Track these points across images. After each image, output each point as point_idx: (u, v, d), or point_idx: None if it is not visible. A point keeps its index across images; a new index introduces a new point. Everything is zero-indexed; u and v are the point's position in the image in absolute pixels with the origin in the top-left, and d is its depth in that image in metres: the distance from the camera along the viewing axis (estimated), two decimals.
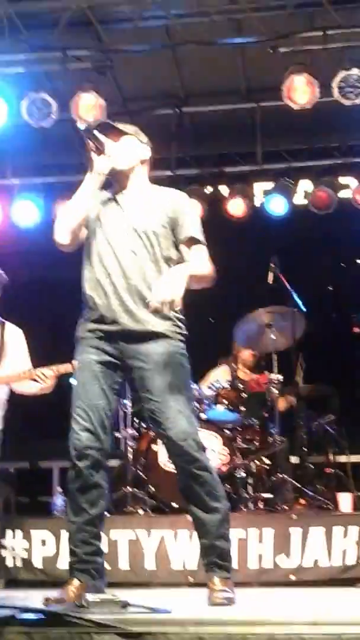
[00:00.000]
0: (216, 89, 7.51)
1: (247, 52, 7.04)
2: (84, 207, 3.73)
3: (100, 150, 3.70)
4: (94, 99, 6.73)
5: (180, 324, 3.72)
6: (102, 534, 3.72)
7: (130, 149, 3.82)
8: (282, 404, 6.89)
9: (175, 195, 3.85)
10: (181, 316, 3.74)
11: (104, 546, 3.84)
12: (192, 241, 3.75)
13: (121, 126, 3.85)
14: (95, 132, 3.71)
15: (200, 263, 3.67)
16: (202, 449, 3.60)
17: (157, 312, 3.49)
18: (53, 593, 3.55)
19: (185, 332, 3.73)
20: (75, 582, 3.53)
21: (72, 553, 3.60)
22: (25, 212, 8.20)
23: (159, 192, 3.88)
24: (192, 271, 3.54)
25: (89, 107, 6.73)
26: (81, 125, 3.72)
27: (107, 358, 3.64)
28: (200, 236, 3.77)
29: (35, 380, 5.26)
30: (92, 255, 3.73)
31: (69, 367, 5.14)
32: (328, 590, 5.03)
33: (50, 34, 6.50)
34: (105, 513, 3.79)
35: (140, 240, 3.67)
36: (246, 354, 7.40)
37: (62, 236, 3.73)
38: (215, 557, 3.56)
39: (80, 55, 6.73)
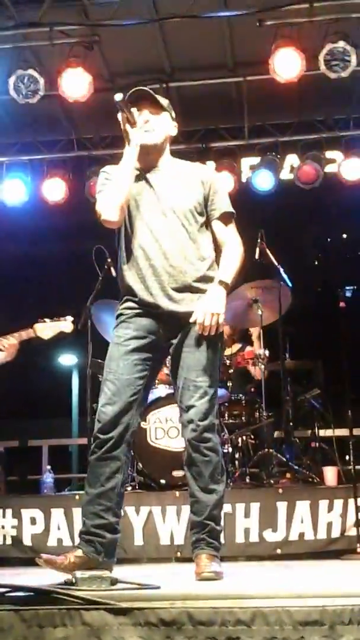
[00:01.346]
0: (203, 64, 7.47)
1: (234, 26, 7.00)
2: (128, 181, 3.68)
3: (132, 123, 3.66)
4: (80, 75, 6.69)
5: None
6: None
7: (164, 124, 3.82)
8: (258, 374, 6.93)
9: (205, 171, 3.91)
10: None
11: None
12: (226, 217, 3.82)
13: (160, 99, 3.83)
14: (129, 105, 3.66)
15: (236, 253, 3.79)
16: (217, 431, 3.66)
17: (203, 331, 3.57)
18: (47, 556, 3.55)
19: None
20: (78, 552, 3.53)
21: (82, 523, 3.61)
22: (13, 191, 8.16)
23: (188, 167, 3.89)
24: (231, 279, 3.68)
25: (75, 82, 6.70)
26: (117, 96, 3.58)
27: (143, 334, 3.65)
28: (232, 210, 3.85)
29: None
30: (128, 237, 3.72)
31: (31, 332, 5.20)
32: (313, 563, 5.09)
33: (37, 9, 6.45)
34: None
35: (178, 220, 3.68)
36: (226, 329, 7.40)
37: (112, 213, 3.67)
38: (204, 534, 3.59)
39: (67, 30, 6.67)
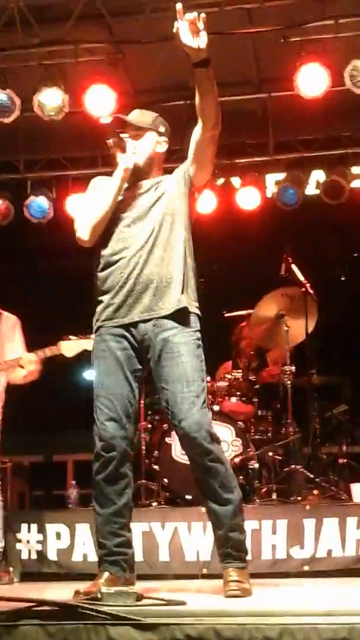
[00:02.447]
0: (227, 80, 7.45)
1: (258, 42, 7.01)
2: (109, 205, 3.72)
3: (122, 148, 3.74)
4: (105, 91, 6.74)
5: (195, 312, 3.69)
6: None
7: (147, 143, 3.85)
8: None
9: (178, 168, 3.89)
10: (196, 306, 3.72)
11: None
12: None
13: (137, 120, 3.86)
14: (119, 136, 3.75)
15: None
16: (216, 440, 3.58)
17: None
18: (81, 585, 3.53)
19: (198, 324, 3.71)
20: (106, 575, 3.53)
21: (101, 546, 3.59)
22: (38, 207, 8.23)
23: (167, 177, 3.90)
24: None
25: (100, 99, 6.75)
26: (110, 142, 3.74)
27: (127, 345, 3.63)
28: None
29: (22, 367, 5.27)
30: (107, 249, 3.73)
31: (55, 349, 5.19)
32: (342, 580, 5.04)
33: (62, 27, 6.50)
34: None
35: (153, 230, 3.67)
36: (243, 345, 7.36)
37: (85, 232, 3.74)
38: (229, 548, 3.55)
39: (91, 48, 6.72)
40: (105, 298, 3.70)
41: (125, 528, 3.59)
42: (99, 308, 3.73)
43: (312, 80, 6.61)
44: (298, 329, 6.76)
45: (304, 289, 6.69)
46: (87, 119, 7.11)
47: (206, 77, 3.54)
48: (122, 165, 3.74)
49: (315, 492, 6.19)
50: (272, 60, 7.17)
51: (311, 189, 8.28)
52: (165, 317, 3.59)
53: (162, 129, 3.91)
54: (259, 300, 6.87)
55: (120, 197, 3.78)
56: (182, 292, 3.61)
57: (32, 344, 5.42)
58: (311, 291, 6.76)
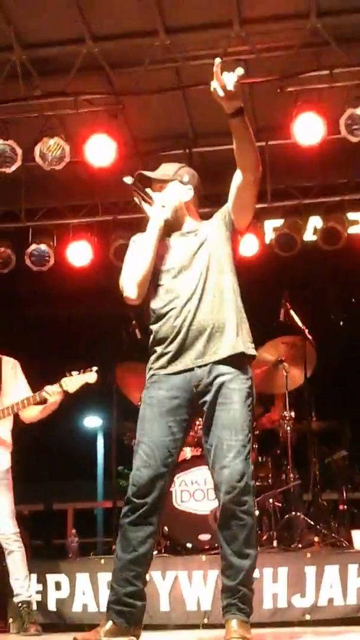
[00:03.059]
0: (225, 129, 7.54)
1: (255, 92, 7.14)
2: (149, 260, 3.73)
3: (148, 202, 3.77)
4: (105, 141, 6.84)
5: (251, 354, 3.68)
6: None
7: (174, 196, 3.88)
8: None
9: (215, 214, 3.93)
10: (252, 347, 3.70)
11: None
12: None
13: (159, 174, 3.91)
14: (138, 184, 3.76)
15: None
16: (253, 493, 3.55)
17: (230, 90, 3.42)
18: (83, 635, 3.51)
19: (250, 371, 3.68)
20: (109, 625, 3.48)
21: (113, 591, 3.54)
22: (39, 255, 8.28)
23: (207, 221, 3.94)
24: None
25: (101, 149, 6.85)
26: (127, 180, 3.71)
27: (176, 394, 3.61)
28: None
29: (41, 402, 5.33)
30: (156, 302, 3.75)
31: (57, 386, 5.30)
32: (344, 629, 4.99)
33: (63, 78, 6.63)
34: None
35: (201, 276, 3.69)
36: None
37: (131, 291, 3.74)
38: (236, 600, 3.50)
39: (91, 99, 6.84)
40: (158, 348, 3.71)
41: (140, 579, 3.53)
42: (152, 357, 3.74)
43: (308, 129, 6.71)
44: (297, 374, 6.79)
45: (302, 336, 6.72)
46: (87, 168, 7.21)
47: (242, 126, 3.63)
48: (154, 219, 3.77)
49: (316, 539, 6.15)
50: (268, 109, 7.28)
51: (309, 235, 8.35)
52: (220, 362, 3.60)
53: (185, 178, 3.94)
54: (257, 345, 6.88)
55: (165, 250, 3.81)
56: (237, 336, 3.63)
57: (33, 387, 5.47)
58: (310, 337, 6.79)
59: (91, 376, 5.30)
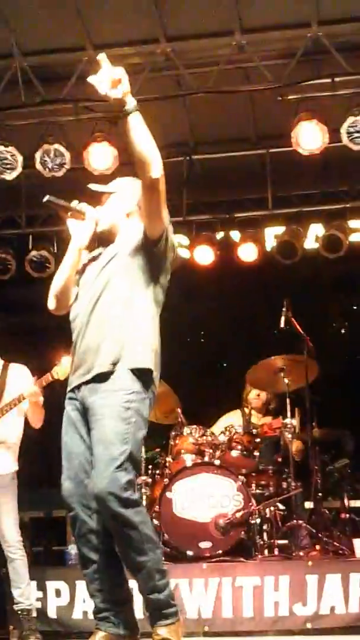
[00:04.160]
0: (226, 137, 7.61)
1: (256, 100, 7.15)
2: (64, 276, 3.79)
3: (80, 216, 3.76)
4: (106, 148, 6.85)
5: (138, 367, 3.55)
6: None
7: (113, 208, 3.83)
8: (295, 448, 6.84)
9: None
10: (142, 361, 3.58)
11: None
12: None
13: (104, 188, 3.89)
14: (60, 201, 3.76)
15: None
16: (129, 505, 3.36)
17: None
18: None
19: (136, 383, 3.54)
20: (99, 633, 3.47)
21: (93, 604, 3.56)
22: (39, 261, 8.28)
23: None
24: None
25: (101, 156, 6.86)
26: (45, 199, 3.74)
27: (78, 406, 3.63)
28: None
29: (24, 399, 5.44)
30: (71, 308, 3.80)
31: (48, 376, 5.44)
32: (345, 638, 4.97)
33: (63, 86, 6.64)
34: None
35: (96, 293, 3.65)
36: (253, 395, 7.39)
37: (49, 302, 3.85)
38: (153, 609, 3.43)
39: (92, 106, 6.84)
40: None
41: (112, 583, 3.51)
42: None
43: (309, 137, 6.71)
44: (298, 381, 6.79)
45: (304, 343, 6.73)
46: (87, 175, 7.21)
47: (125, 127, 3.47)
48: (77, 236, 3.79)
49: (318, 547, 6.14)
50: (269, 117, 7.29)
51: (310, 243, 8.35)
52: (96, 379, 3.54)
53: (134, 189, 3.77)
54: (258, 351, 6.91)
55: (87, 262, 3.83)
56: (116, 352, 3.53)
57: None
58: (311, 344, 6.79)
59: (47, 377, 5.41)
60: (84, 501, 3.53)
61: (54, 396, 5.34)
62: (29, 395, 5.45)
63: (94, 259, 3.82)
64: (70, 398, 3.67)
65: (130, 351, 3.55)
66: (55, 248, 8.37)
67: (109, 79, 3.34)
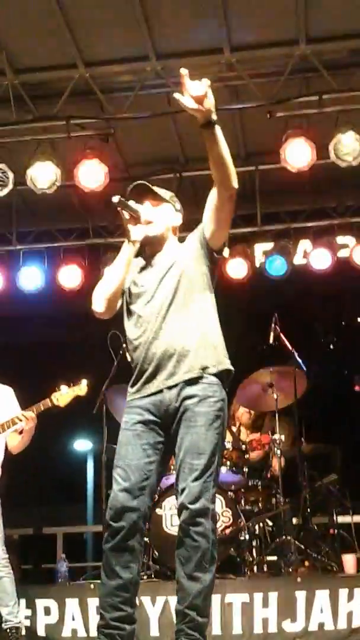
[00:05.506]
0: None
1: (245, 117, 7.20)
2: (119, 276, 3.76)
3: (135, 219, 3.73)
4: (96, 166, 6.88)
5: (222, 370, 3.65)
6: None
7: (165, 216, 3.88)
8: (275, 465, 6.85)
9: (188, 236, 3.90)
10: (223, 364, 3.66)
11: None
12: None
13: (159, 191, 3.91)
14: (130, 202, 3.73)
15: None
16: (212, 517, 3.48)
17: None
18: None
19: (221, 391, 3.63)
20: None
21: (101, 616, 3.51)
22: (30, 277, 8.28)
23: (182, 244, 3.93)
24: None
25: (92, 173, 6.89)
26: (114, 199, 3.67)
27: (149, 417, 3.61)
28: None
29: (15, 424, 5.32)
30: (129, 327, 3.78)
31: (47, 402, 5.33)
32: None
33: (55, 103, 6.68)
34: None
35: (167, 301, 3.69)
36: (241, 413, 7.40)
37: (98, 304, 3.79)
38: (184, 626, 3.42)
39: (83, 124, 6.88)
40: (134, 373, 3.74)
41: (128, 603, 3.49)
42: (130, 383, 3.76)
43: (297, 154, 6.77)
44: (287, 397, 6.80)
45: (292, 359, 6.74)
46: (78, 192, 7.25)
47: (214, 138, 3.55)
48: (132, 237, 3.76)
49: (307, 563, 6.13)
50: (258, 134, 7.35)
51: (299, 259, 8.39)
52: (186, 384, 3.59)
53: (178, 206, 3.96)
54: (247, 367, 6.91)
55: (139, 272, 3.84)
56: (203, 357, 3.61)
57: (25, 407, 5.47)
58: (299, 360, 6.81)
59: (81, 388, 5.37)
60: (135, 516, 3.51)
61: (41, 413, 5.34)
62: (24, 420, 5.32)
63: (147, 264, 3.84)
64: (137, 406, 3.65)
65: (216, 354, 3.65)
66: (46, 265, 8.39)
67: (196, 94, 3.41)
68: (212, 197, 3.70)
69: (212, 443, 3.54)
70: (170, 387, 3.60)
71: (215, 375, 3.62)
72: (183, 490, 3.48)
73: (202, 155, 7.99)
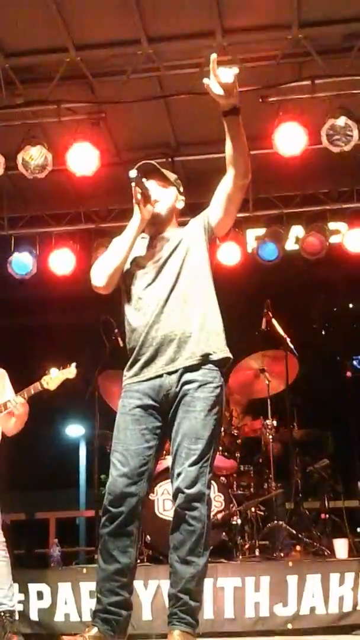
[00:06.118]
0: (207, 138, 7.59)
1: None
2: (124, 253, 3.74)
3: (145, 197, 3.71)
4: (88, 150, 6.84)
5: (221, 357, 3.65)
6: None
7: (171, 198, 3.88)
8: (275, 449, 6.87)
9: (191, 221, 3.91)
10: (223, 351, 3.66)
11: None
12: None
13: (166, 172, 3.90)
14: (144, 180, 3.71)
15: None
16: (206, 501, 3.49)
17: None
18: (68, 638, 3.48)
19: (220, 377, 3.64)
20: (94, 631, 3.44)
21: (98, 601, 3.51)
22: (21, 262, 8.25)
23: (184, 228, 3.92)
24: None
25: (83, 157, 6.85)
26: (132, 173, 3.65)
27: (148, 401, 3.60)
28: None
29: (7, 409, 5.32)
30: (129, 308, 3.75)
31: (37, 385, 5.32)
32: (325, 638, 5.00)
33: (45, 87, 6.63)
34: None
35: (171, 285, 3.68)
36: (236, 399, 7.40)
37: (99, 279, 3.74)
38: (177, 608, 3.42)
39: (74, 107, 6.84)
40: (131, 357, 3.72)
41: (126, 588, 3.50)
42: (126, 366, 3.73)
43: (290, 139, 6.75)
44: (278, 382, 6.82)
45: (284, 345, 6.75)
46: (69, 177, 7.21)
47: (236, 125, 3.58)
48: (138, 214, 3.74)
49: (298, 548, 6.16)
50: (250, 119, 7.18)
51: (291, 244, 8.38)
52: (186, 370, 3.58)
53: (181, 189, 3.97)
54: (239, 353, 6.91)
55: (141, 252, 3.82)
56: (204, 343, 3.61)
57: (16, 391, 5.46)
58: (291, 346, 6.82)
59: (71, 371, 5.36)
60: (134, 501, 3.51)
61: (33, 398, 5.33)
62: (14, 407, 5.31)
63: (149, 245, 3.82)
64: (135, 390, 3.63)
65: (215, 344, 3.65)
66: (37, 250, 8.37)
67: (225, 81, 3.43)
68: (226, 185, 3.70)
69: (210, 429, 3.54)
70: (170, 373, 3.60)
71: (215, 362, 3.62)
72: (179, 474, 3.48)
73: (194, 139, 8.03)
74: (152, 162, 3.86)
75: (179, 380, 3.59)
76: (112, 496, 3.52)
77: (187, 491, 3.45)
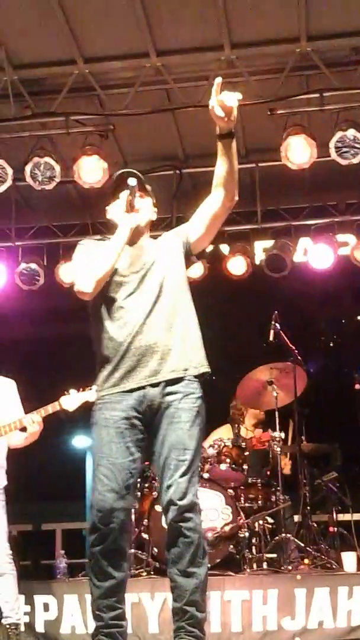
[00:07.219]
0: (215, 150, 7.61)
1: (246, 114, 7.16)
2: (113, 260, 3.68)
3: (132, 206, 3.72)
4: (96, 162, 6.86)
5: (202, 372, 3.65)
6: None
7: (149, 208, 3.89)
8: (285, 465, 6.85)
9: (173, 231, 3.91)
10: (204, 365, 3.66)
11: None
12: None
13: (147, 186, 3.91)
14: (135, 191, 3.73)
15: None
16: (198, 511, 3.50)
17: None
18: None
19: (199, 390, 3.64)
20: None
21: (98, 618, 3.49)
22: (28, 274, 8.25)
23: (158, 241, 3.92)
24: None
25: (91, 169, 6.87)
26: (131, 181, 3.67)
27: (131, 413, 3.57)
28: None
29: (24, 429, 5.30)
30: (108, 318, 3.70)
31: (56, 405, 5.30)
32: None
33: (54, 99, 6.66)
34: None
35: (153, 297, 3.66)
36: (252, 413, 7.41)
37: (87, 285, 3.65)
38: (184, 622, 3.40)
39: (82, 119, 6.87)
40: (108, 367, 3.66)
41: (122, 600, 3.50)
42: (102, 376, 3.68)
43: (298, 152, 6.75)
44: (287, 394, 6.80)
45: (292, 357, 6.74)
46: (77, 188, 7.23)
47: (229, 149, 3.69)
48: (127, 224, 3.72)
49: (306, 561, 6.13)
50: (259, 132, 7.33)
51: (299, 256, 8.38)
52: (169, 382, 3.57)
53: (154, 200, 3.95)
54: (247, 365, 6.91)
55: (119, 261, 3.77)
56: (186, 356, 3.61)
57: (30, 406, 5.45)
58: (299, 358, 6.80)
59: (91, 394, 5.31)
60: (123, 516, 3.49)
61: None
62: (28, 424, 5.29)
63: (127, 254, 3.77)
64: (121, 403, 3.58)
65: (198, 356, 3.67)
66: (45, 261, 8.38)
67: (229, 104, 3.49)
68: (213, 205, 3.74)
69: (196, 439, 3.55)
70: (153, 385, 3.58)
71: (196, 375, 3.63)
72: (169, 486, 3.46)
73: (202, 152, 8.05)
74: (134, 171, 3.85)
75: (160, 392, 3.57)
76: (102, 513, 3.48)
77: (179, 503, 3.43)
